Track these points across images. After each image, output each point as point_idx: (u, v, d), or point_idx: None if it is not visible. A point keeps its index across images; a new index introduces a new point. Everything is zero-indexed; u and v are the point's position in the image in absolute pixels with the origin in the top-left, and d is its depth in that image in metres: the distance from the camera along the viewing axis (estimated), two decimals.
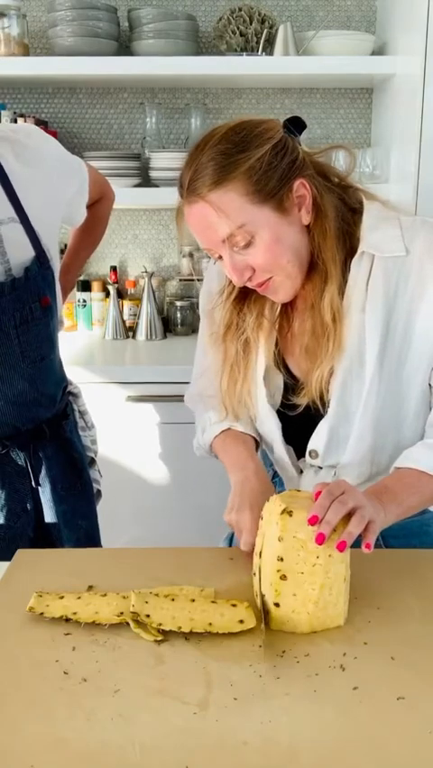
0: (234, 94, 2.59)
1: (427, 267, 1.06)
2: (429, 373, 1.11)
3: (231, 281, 1.13)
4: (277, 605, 0.95)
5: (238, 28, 2.35)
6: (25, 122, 2.35)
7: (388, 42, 2.39)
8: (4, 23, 2.22)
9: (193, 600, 0.98)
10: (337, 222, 1.09)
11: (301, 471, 1.22)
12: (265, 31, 2.34)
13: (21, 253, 1.24)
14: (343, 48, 2.28)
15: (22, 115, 2.40)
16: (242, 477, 1.14)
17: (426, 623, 0.97)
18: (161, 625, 0.93)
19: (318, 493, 0.93)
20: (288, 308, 1.18)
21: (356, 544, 0.94)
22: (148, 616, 0.94)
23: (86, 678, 0.86)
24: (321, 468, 1.19)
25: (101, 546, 1.51)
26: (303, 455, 1.21)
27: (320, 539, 0.89)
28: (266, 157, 1.02)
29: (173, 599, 0.98)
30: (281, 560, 0.94)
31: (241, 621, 0.94)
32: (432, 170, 2.12)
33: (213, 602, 0.97)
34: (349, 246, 1.10)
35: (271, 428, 1.21)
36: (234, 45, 2.38)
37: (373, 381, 1.10)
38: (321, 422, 1.15)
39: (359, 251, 1.09)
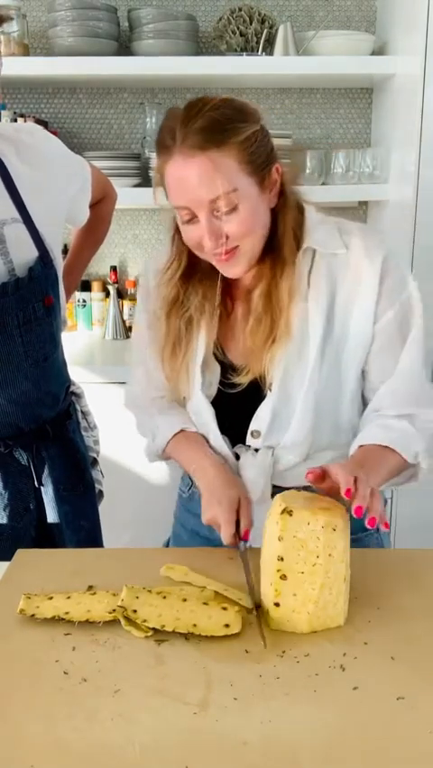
0: (234, 94, 2.55)
1: (362, 264, 1.14)
2: (364, 359, 1.18)
3: (177, 258, 1.18)
4: (277, 605, 0.95)
5: (238, 28, 2.35)
6: (25, 122, 2.35)
7: (388, 42, 2.39)
8: (12, 27, 2.22)
9: (185, 600, 0.98)
10: (295, 213, 1.14)
11: (238, 457, 1.24)
12: (265, 31, 2.34)
13: (24, 253, 1.24)
14: (343, 48, 2.28)
15: (22, 115, 2.40)
16: (201, 477, 1.19)
17: (426, 623, 0.97)
18: (145, 621, 0.93)
19: (348, 491, 0.95)
20: (226, 296, 1.21)
21: (358, 544, 0.95)
22: (135, 611, 0.95)
23: (86, 678, 0.86)
24: (258, 450, 1.22)
25: (103, 547, 1.51)
26: (240, 441, 1.23)
27: (359, 512, 0.93)
28: (259, 134, 1.07)
29: (165, 597, 0.98)
30: (281, 559, 0.94)
31: (226, 625, 0.93)
32: (432, 170, 2.13)
33: (204, 604, 0.97)
34: (295, 241, 1.16)
35: (207, 419, 1.23)
36: (234, 45, 2.38)
37: (316, 365, 1.15)
38: (263, 403, 1.19)
39: (303, 245, 1.14)
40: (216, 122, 1.03)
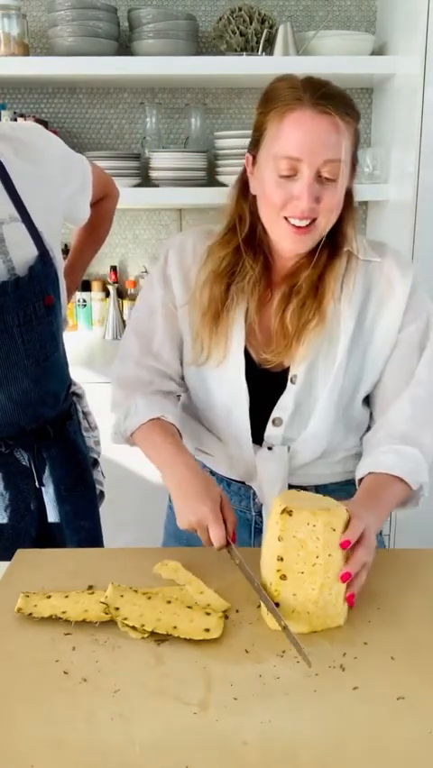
0: (235, 94, 2.59)
1: (395, 274, 1.18)
2: (383, 366, 1.21)
3: (237, 225, 1.17)
4: (277, 605, 0.95)
5: (238, 28, 2.35)
6: (25, 121, 2.35)
7: (388, 42, 2.39)
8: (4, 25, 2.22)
9: (169, 602, 0.98)
10: (353, 214, 1.18)
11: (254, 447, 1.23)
12: (265, 31, 2.34)
13: (23, 252, 1.24)
14: (343, 48, 2.28)
15: (22, 115, 2.40)
16: (176, 477, 1.13)
17: (426, 623, 0.97)
18: (126, 619, 0.93)
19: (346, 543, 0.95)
20: (265, 280, 1.20)
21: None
22: (117, 609, 0.95)
23: (86, 678, 0.86)
24: (271, 448, 1.22)
25: (103, 547, 1.51)
26: (256, 438, 1.22)
27: (345, 577, 0.95)
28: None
29: (150, 598, 0.98)
30: (281, 560, 0.94)
31: (207, 630, 0.93)
32: (432, 170, 2.13)
33: (188, 607, 0.97)
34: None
35: (239, 393, 1.20)
36: (234, 45, 2.38)
37: (342, 363, 1.17)
38: (286, 391, 1.19)
39: (343, 249, 1.17)
40: (346, 97, 1.08)
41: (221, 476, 1.30)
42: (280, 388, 1.20)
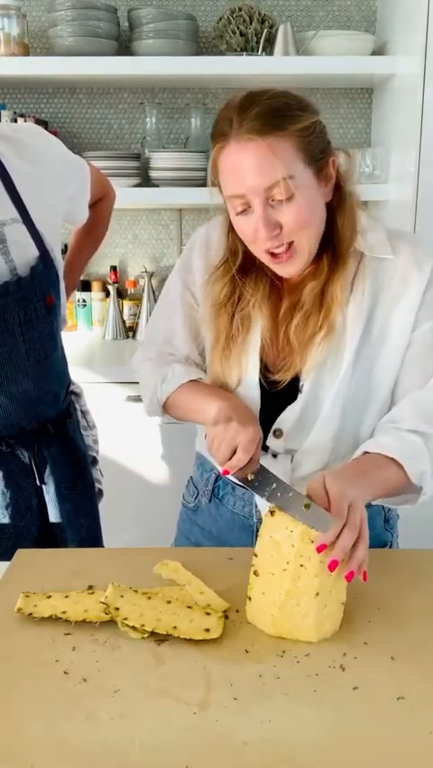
0: (235, 94, 2.59)
1: (410, 269, 1.12)
2: (398, 369, 1.15)
3: (232, 254, 1.15)
4: (249, 598, 0.96)
5: (238, 28, 2.35)
6: (25, 122, 2.35)
7: (388, 42, 2.39)
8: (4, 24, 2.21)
9: (169, 602, 0.98)
10: (354, 210, 1.13)
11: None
12: (265, 31, 2.34)
13: (25, 253, 1.25)
14: (343, 48, 2.28)
15: (22, 115, 2.40)
16: (231, 402, 1.12)
17: (426, 623, 0.97)
18: (126, 619, 0.93)
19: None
20: (274, 291, 1.18)
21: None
22: (117, 609, 0.95)
23: (86, 678, 0.86)
24: (276, 456, 1.19)
25: (103, 546, 1.52)
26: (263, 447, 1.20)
27: (333, 566, 0.89)
28: (318, 125, 1.06)
29: (150, 598, 0.98)
30: (256, 556, 0.95)
31: (207, 630, 0.93)
32: (432, 170, 2.13)
33: (188, 607, 0.97)
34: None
35: (252, 405, 1.18)
36: (234, 45, 2.38)
37: (348, 371, 1.13)
38: (294, 403, 1.16)
39: (353, 247, 1.12)
40: (275, 108, 1.02)
41: (226, 479, 1.29)
42: (290, 398, 1.17)
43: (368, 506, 1.19)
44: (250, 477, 1.02)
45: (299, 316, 1.12)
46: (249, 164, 1.01)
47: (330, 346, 1.12)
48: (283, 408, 1.17)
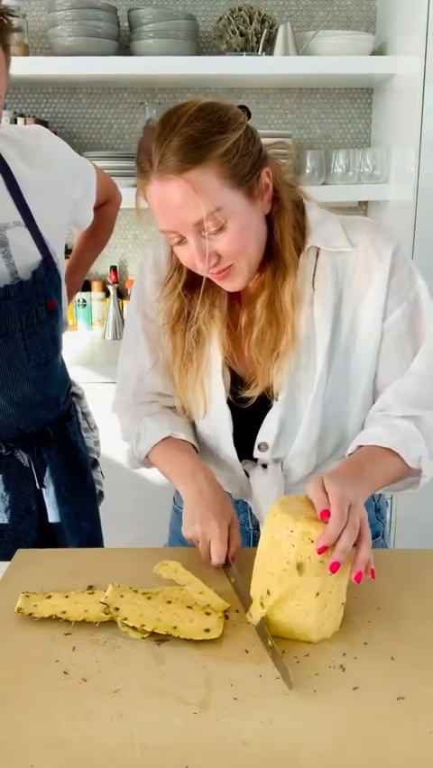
0: (235, 94, 2.59)
1: (370, 259, 1.09)
2: (375, 361, 1.13)
3: (177, 270, 1.13)
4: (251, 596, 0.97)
5: (238, 28, 2.35)
6: (25, 122, 2.35)
7: (388, 42, 2.39)
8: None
9: (169, 602, 0.98)
10: (294, 214, 1.09)
11: (247, 474, 1.21)
12: (265, 31, 2.34)
13: (27, 256, 1.24)
14: (343, 48, 2.28)
15: (22, 115, 2.40)
16: (195, 488, 1.12)
17: (426, 623, 0.97)
18: (126, 620, 0.93)
19: (325, 512, 0.90)
20: (234, 302, 1.17)
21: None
22: (117, 609, 0.95)
23: (86, 678, 0.86)
24: (266, 466, 1.19)
25: (103, 548, 1.51)
26: (247, 456, 1.20)
27: (334, 567, 0.88)
28: (241, 141, 1.00)
29: (149, 598, 0.98)
30: (257, 555, 0.95)
31: (207, 630, 0.93)
32: (432, 170, 2.13)
33: (188, 607, 0.97)
34: (296, 242, 1.11)
35: (223, 424, 1.18)
36: (234, 45, 2.38)
37: (323, 372, 1.11)
38: (270, 413, 1.15)
39: (306, 245, 1.10)
40: (191, 138, 0.96)
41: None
42: (264, 408, 1.15)
43: None
44: (232, 580, 1.05)
45: (256, 331, 1.11)
46: (173, 203, 0.98)
47: (298, 351, 1.11)
48: (260, 419, 1.16)
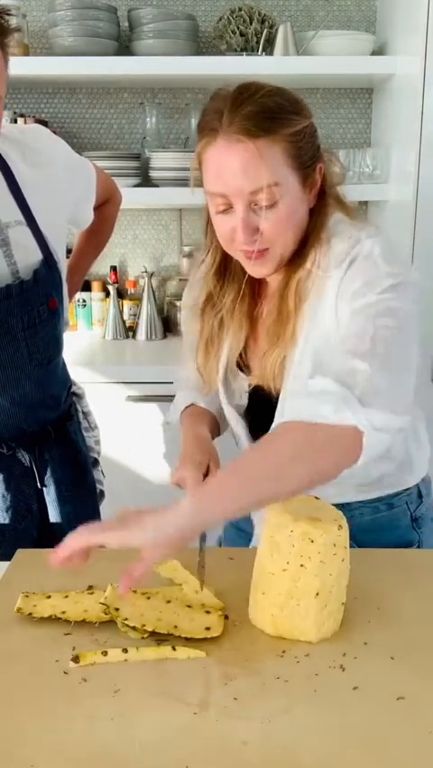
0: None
1: (329, 280, 1.05)
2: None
3: (210, 254, 1.15)
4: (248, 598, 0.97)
5: (238, 28, 2.35)
6: (25, 122, 2.35)
7: (388, 42, 2.39)
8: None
9: (169, 602, 0.98)
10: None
11: None
12: (265, 31, 2.34)
13: (28, 256, 1.24)
14: (343, 48, 2.28)
15: (22, 115, 2.40)
16: (183, 443, 1.21)
17: (426, 623, 0.97)
18: (126, 620, 0.93)
19: None
20: (257, 296, 1.18)
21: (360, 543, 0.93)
22: (117, 609, 0.95)
23: (86, 678, 0.86)
24: None
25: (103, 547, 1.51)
26: None
27: (53, 559, 0.89)
28: (309, 128, 1.03)
29: (149, 598, 0.98)
30: (257, 555, 0.95)
31: (207, 628, 0.93)
32: (432, 170, 2.13)
33: (188, 606, 0.97)
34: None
35: (238, 430, 1.24)
36: (234, 45, 2.38)
37: (306, 369, 1.11)
38: (277, 410, 1.15)
39: (305, 264, 1.09)
40: (268, 109, 0.98)
41: None
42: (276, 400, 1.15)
43: (375, 503, 1.21)
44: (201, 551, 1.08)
45: (269, 322, 1.12)
46: (236, 166, 0.98)
47: (296, 350, 1.10)
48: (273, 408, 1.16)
